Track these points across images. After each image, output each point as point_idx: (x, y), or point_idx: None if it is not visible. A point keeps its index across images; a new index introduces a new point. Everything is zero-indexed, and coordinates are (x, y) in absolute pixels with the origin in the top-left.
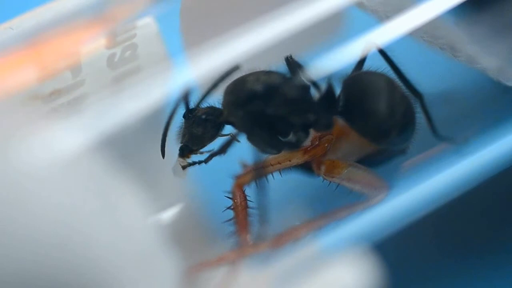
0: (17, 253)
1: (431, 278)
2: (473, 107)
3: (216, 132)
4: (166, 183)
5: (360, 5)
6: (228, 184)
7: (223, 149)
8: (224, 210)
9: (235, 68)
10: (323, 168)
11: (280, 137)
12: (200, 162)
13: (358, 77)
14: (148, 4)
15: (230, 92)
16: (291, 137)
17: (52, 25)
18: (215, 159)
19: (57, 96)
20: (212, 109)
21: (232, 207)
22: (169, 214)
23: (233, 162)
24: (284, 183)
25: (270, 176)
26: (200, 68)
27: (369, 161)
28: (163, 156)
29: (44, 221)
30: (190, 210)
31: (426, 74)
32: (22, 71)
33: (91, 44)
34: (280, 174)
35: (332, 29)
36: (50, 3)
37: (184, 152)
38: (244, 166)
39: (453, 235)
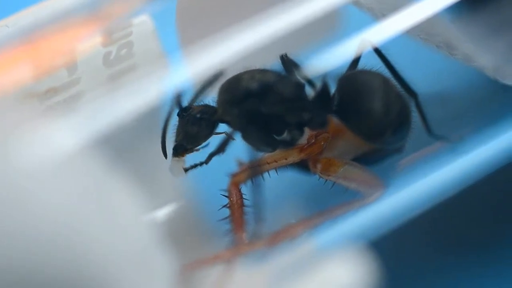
0: (13, 253)
1: (427, 276)
2: (469, 105)
3: (210, 130)
4: (162, 181)
5: (356, 3)
6: (224, 182)
7: (221, 148)
8: (220, 208)
9: (219, 74)
10: (319, 166)
11: (274, 135)
12: (201, 164)
13: (353, 76)
14: (144, 1)
15: (225, 90)
16: (285, 135)
17: (48, 23)
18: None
19: (53, 94)
20: (206, 107)
21: (228, 205)
22: (165, 212)
23: (229, 160)
24: (280, 181)
25: (266, 174)
26: (196, 66)
27: (365, 160)
28: (165, 156)
29: (40, 220)
30: (186, 208)
31: (422, 72)
32: (18, 69)
33: (87, 42)
34: (276, 172)
35: (328, 27)
36: (46, 0)
37: (179, 151)
38: (240, 164)
39: (450, 233)
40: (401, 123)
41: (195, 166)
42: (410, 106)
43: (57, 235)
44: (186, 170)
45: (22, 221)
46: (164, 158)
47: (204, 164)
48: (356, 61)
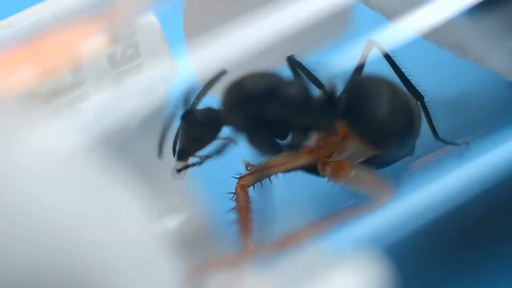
0: (13, 255)
1: (439, 281)
2: (483, 107)
3: (214, 134)
4: (169, 184)
5: (366, 3)
6: (232, 185)
7: (218, 151)
8: (227, 212)
9: (221, 73)
10: (328, 169)
11: (278, 139)
12: (194, 165)
13: (360, 82)
14: (150, 1)
15: (229, 93)
16: (290, 139)
17: (52, 23)
18: (219, 160)
19: (57, 95)
20: (210, 110)
21: (235, 209)
22: (171, 215)
23: (237, 162)
24: (289, 184)
25: (274, 177)
26: (203, 66)
27: (374, 163)
28: (160, 156)
29: (42, 222)
30: (192, 211)
31: (433, 74)
32: (22, 70)
33: (92, 42)
34: (285, 175)
35: (338, 28)
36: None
37: (182, 155)
38: (248, 166)
39: (464, 239)
40: (406, 131)
41: (188, 166)
42: (418, 113)
43: (60, 238)
44: (179, 170)
45: (24, 223)
46: (170, 159)
47: (198, 165)
48: (362, 62)
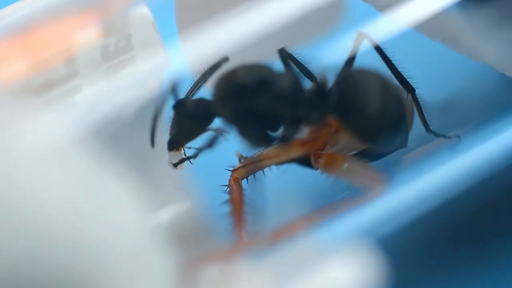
0: (6, 248)
1: (431, 274)
2: (476, 100)
3: (205, 125)
4: (162, 177)
5: None
6: (225, 177)
7: (210, 144)
8: (221, 204)
9: (224, 60)
10: (321, 161)
11: (269, 131)
12: (189, 158)
13: (351, 76)
14: None
15: (220, 84)
16: (281, 131)
17: (45, 15)
18: (213, 152)
19: (50, 87)
20: (201, 101)
21: (228, 201)
22: (165, 208)
23: (230, 155)
24: (282, 177)
25: (267, 169)
26: (195, 58)
27: (367, 155)
28: (152, 145)
29: (36, 214)
30: (186, 204)
31: (425, 66)
32: (15, 62)
33: (85, 34)
34: (278, 167)
35: (330, 20)
36: None
37: (173, 146)
38: (241, 158)
39: (458, 231)
40: (398, 124)
41: (183, 160)
42: (410, 105)
43: (53, 229)
44: (176, 165)
45: (17, 215)
46: (163, 152)
47: (192, 159)
48: (353, 55)
